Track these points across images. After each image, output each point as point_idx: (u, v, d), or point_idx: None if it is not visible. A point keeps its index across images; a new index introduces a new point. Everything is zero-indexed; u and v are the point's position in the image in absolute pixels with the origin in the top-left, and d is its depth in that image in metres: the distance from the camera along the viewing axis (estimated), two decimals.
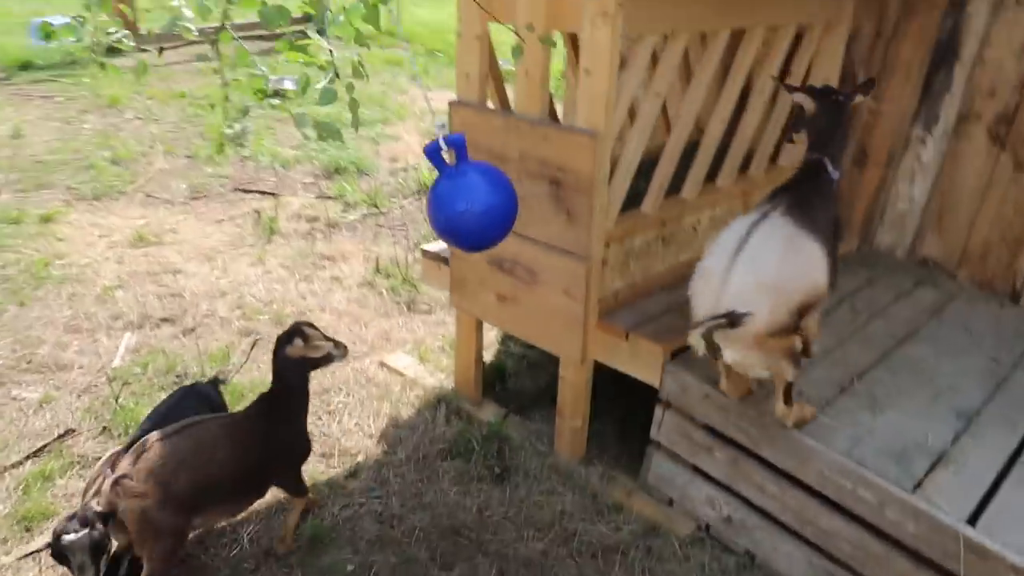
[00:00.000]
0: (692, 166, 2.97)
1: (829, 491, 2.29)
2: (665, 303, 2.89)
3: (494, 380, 3.48)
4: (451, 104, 2.87)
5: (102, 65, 1.90)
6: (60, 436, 2.87)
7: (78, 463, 2.77)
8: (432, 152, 1.87)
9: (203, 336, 3.62)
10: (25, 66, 7.92)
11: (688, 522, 2.68)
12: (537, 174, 2.64)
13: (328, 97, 1.68)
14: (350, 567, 2.46)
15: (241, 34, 1.84)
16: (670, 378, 2.62)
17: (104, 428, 2.95)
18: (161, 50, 6.62)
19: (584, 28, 2.40)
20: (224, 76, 1.81)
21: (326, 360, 2.43)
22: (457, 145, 1.89)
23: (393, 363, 3.58)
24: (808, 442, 2.32)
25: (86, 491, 2.14)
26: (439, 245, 3.31)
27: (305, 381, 2.45)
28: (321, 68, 1.72)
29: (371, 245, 4.67)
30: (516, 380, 3.52)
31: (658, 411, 2.70)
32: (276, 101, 3.20)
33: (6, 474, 2.69)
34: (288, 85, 6.49)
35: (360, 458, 2.98)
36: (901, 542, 2.17)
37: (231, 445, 2.27)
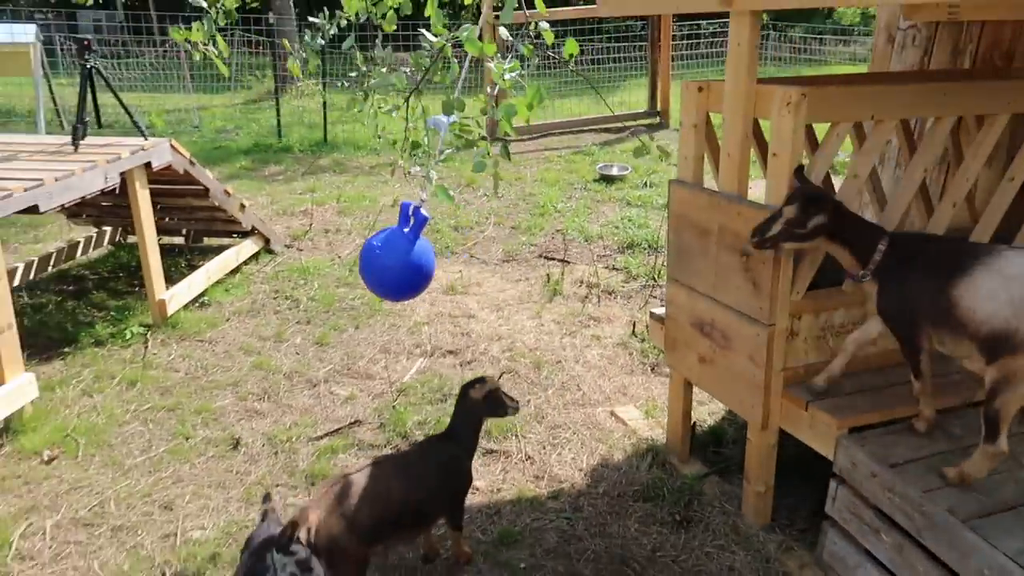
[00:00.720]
0: None
1: None
2: (861, 382, 2.87)
3: (709, 442, 3.65)
4: (671, 182, 3.25)
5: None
6: (351, 424, 3.79)
7: (356, 446, 3.64)
8: (403, 209, 2.41)
9: (474, 368, 4.38)
10: (415, 146, 9.97)
11: None
12: (731, 245, 2.89)
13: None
14: (523, 566, 2.89)
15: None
16: (842, 452, 2.63)
17: (381, 424, 3.81)
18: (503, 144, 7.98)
19: (773, 117, 2.65)
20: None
21: (501, 409, 2.77)
22: (419, 219, 2.42)
23: (621, 413, 3.96)
24: (970, 536, 2.19)
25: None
26: (663, 309, 3.64)
27: (478, 425, 2.80)
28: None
29: (637, 312, 5.10)
30: (732, 446, 3.63)
31: (832, 485, 2.70)
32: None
33: (310, 443, 3.65)
34: (615, 171, 7.36)
35: (565, 485, 3.40)
36: None
37: (404, 483, 2.62)
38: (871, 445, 2.58)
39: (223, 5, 3.09)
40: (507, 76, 2.52)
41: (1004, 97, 2.82)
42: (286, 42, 4.56)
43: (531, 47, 2.69)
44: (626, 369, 4.43)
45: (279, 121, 10.85)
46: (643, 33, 13.58)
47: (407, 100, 2.55)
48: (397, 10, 3.06)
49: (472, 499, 3.23)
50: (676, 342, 3.37)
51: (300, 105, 12.53)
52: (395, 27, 3.10)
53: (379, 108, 3.04)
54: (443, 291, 5.48)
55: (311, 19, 3.19)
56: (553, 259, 6.15)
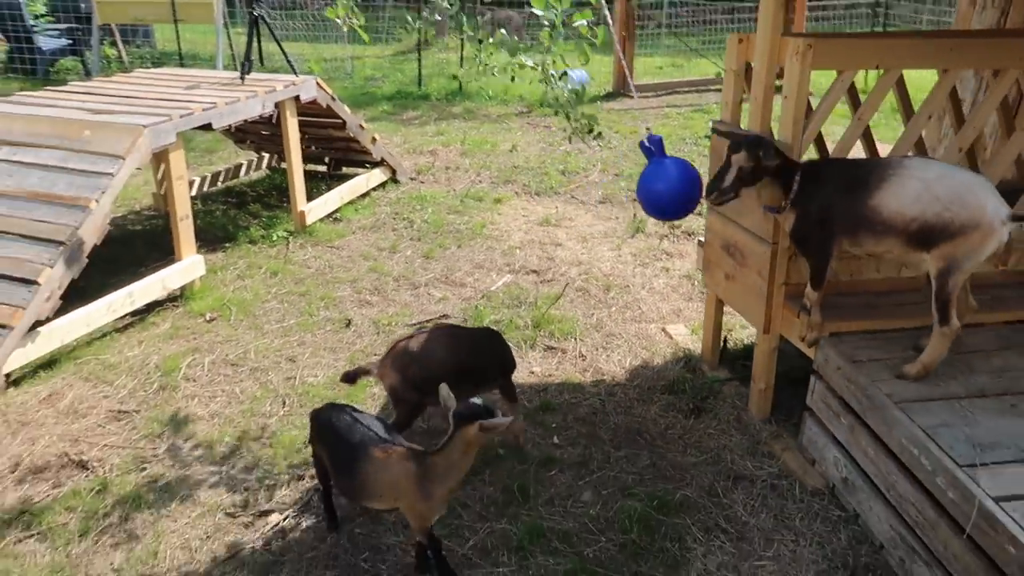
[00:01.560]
0: None
1: (904, 457, 2.61)
2: (857, 302, 3.31)
3: (740, 357, 4.15)
4: (712, 122, 3.75)
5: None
6: (439, 317, 4.59)
7: None
8: (643, 146, 2.97)
9: (550, 285, 5.06)
10: (540, 103, 10.63)
11: (819, 479, 3.12)
12: None
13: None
14: (553, 425, 3.58)
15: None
16: (820, 352, 3.11)
17: (465, 320, 4.58)
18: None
19: (786, 64, 3.11)
20: None
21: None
22: (656, 143, 2.96)
23: (670, 330, 4.52)
24: (896, 412, 2.66)
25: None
26: None
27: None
28: None
29: None
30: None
31: (811, 380, 3.19)
32: None
33: (405, 328, 4.48)
34: None
35: (605, 378, 4.04)
36: (947, 510, 2.42)
37: (450, 350, 3.18)
38: (843, 346, 3.05)
39: None
40: (577, 23, 3.12)
41: (1006, 52, 3.12)
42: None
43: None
44: (685, 296, 4.96)
45: (420, 72, 11.81)
46: None
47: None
48: None
49: (525, 379, 3.95)
50: (710, 263, 3.90)
51: (444, 58, 13.45)
52: None
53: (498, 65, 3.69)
54: (538, 223, 6.16)
55: None
56: None
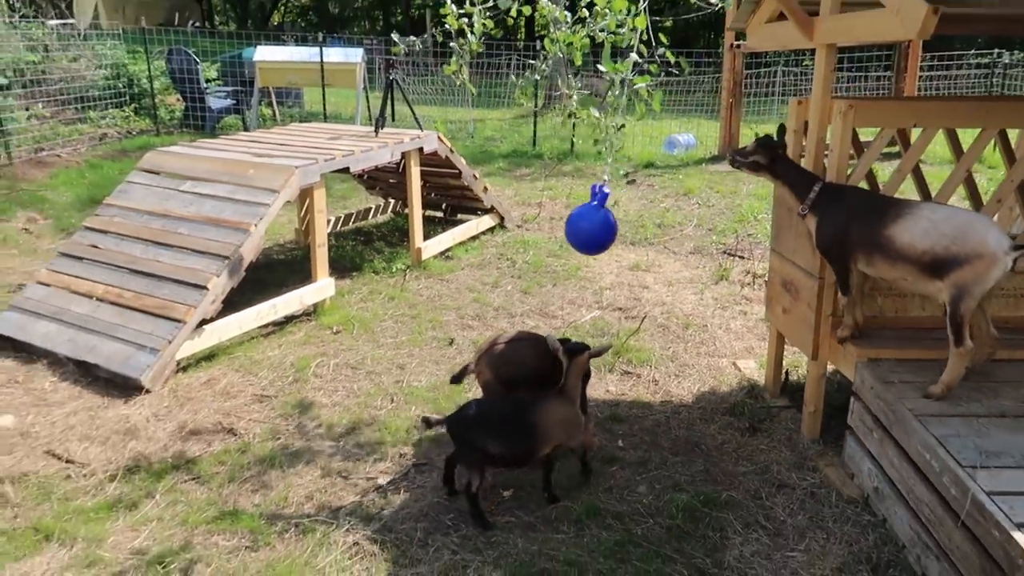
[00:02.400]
0: None
1: (920, 462, 2.94)
2: (898, 334, 3.64)
3: (801, 389, 4.48)
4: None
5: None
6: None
7: None
8: (593, 189, 3.58)
9: (633, 321, 5.56)
10: (648, 164, 11.24)
11: (855, 490, 3.45)
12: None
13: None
14: (620, 432, 4.06)
15: None
16: (858, 375, 3.48)
17: None
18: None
19: (833, 122, 3.58)
20: None
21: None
22: (602, 195, 3.56)
23: (740, 364, 4.91)
24: (915, 423, 3.01)
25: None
26: None
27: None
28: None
29: None
30: (826, 398, 4.45)
31: (851, 401, 3.55)
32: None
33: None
34: None
35: (673, 399, 4.48)
36: (950, 506, 2.74)
37: (534, 355, 3.66)
38: (879, 370, 3.41)
39: (470, 43, 4.47)
40: (638, 86, 3.71)
41: None
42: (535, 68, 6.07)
43: (659, 66, 3.87)
44: (759, 336, 5.33)
45: (535, 133, 12.72)
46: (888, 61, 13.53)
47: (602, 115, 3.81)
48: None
49: (600, 396, 4.46)
50: (771, 299, 4.32)
51: (558, 122, 14.36)
52: (582, 62, 4.41)
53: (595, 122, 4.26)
54: (629, 268, 6.70)
55: (531, 61, 4.61)
56: (733, 255, 7.08)
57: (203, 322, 4.65)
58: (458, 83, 4.52)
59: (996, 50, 13.58)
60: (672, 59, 3.83)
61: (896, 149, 5.58)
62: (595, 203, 3.96)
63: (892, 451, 3.16)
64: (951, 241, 3.01)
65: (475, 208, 7.70)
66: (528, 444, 3.27)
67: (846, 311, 3.54)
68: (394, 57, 6.75)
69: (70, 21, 17.83)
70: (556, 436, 3.33)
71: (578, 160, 11.51)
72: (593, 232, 3.97)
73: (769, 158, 3.58)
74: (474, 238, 7.37)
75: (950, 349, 3.11)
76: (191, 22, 34.48)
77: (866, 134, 4.36)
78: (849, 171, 3.65)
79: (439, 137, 6.51)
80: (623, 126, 3.74)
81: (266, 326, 5.27)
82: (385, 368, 4.81)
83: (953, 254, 3.00)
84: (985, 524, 2.53)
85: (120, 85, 12.85)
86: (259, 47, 13.37)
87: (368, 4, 40.51)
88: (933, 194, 3.87)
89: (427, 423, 3.35)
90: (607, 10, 3.68)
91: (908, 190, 4.40)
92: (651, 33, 3.68)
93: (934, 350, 3.50)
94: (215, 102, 13.02)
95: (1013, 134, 4.18)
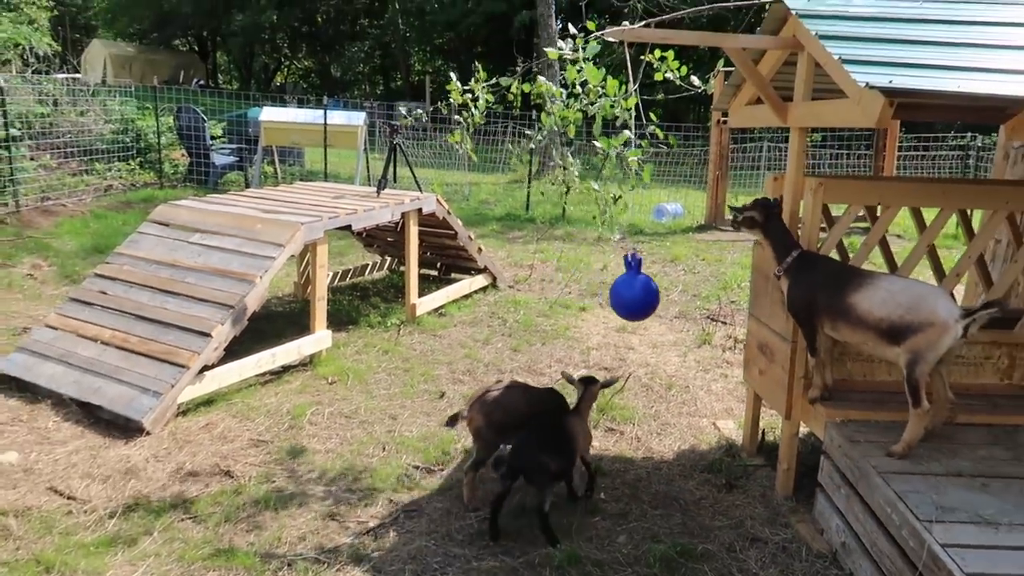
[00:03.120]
0: None
1: (882, 516, 3.13)
2: (866, 397, 3.87)
3: (777, 448, 4.69)
4: (755, 243, 4.51)
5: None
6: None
7: None
8: (626, 259, 3.83)
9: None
10: (638, 231, 11.60)
11: (825, 545, 3.62)
12: (777, 286, 4.09)
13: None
14: (603, 485, 4.22)
15: None
16: (828, 434, 3.69)
17: None
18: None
19: (804, 198, 3.88)
20: None
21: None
22: (636, 261, 3.81)
23: (720, 424, 5.11)
24: (877, 479, 3.21)
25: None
26: None
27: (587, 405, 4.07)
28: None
29: None
30: (801, 458, 4.64)
31: (822, 460, 3.74)
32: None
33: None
34: None
35: (654, 456, 4.66)
36: (909, 558, 2.92)
37: (525, 403, 3.95)
38: (847, 430, 3.62)
39: (473, 117, 4.77)
40: (630, 159, 4.01)
41: (996, 196, 3.78)
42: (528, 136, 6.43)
43: (648, 141, 4.19)
44: (739, 398, 5.54)
45: (528, 197, 13.13)
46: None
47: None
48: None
49: None
50: (749, 362, 4.56)
51: (551, 188, 14.82)
52: (575, 134, 4.72)
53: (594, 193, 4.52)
54: (616, 330, 6.93)
55: (527, 132, 4.94)
56: (716, 320, 7.33)
57: (204, 368, 4.83)
58: (460, 152, 4.84)
59: (970, 134, 14.19)
60: (660, 135, 4.16)
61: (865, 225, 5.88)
62: (632, 271, 4.28)
63: (858, 506, 3.35)
64: (906, 310, 3.28)
65: (469, 268, 7.97)
66: (572, 457, 3.82)
67: (815, 373, 3.77)
68: (396, 123, 7.10)
69: (77, 76, 18.39)
70: (583, 448, 3.95)
71: (569, 225, 11.88)
72: (636, 299, 4.31)
73: (764, 216, 3.85)
74: (467, 296, 7.62)
75: (910, 411, 3.33)
76: (196, 80, 35.47)
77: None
78: (819, 244, 3.94)
79: (437, 199, 6.82)
80: (619, 197, 4.03)
81: (264, 374, 5.45)
82: (378, 418, 4.98)
83: (907, 322, 3.27)
84: (939, 574, 2.71)
85: (127, 139, 13.25)
86: (265, 108, 13.84)
87: (369, 69, 41.71)
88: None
89: (452, 422, 3.85)
90: (600, 90, 4.01)
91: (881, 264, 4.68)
92: (641, 111, 4.01)
93: (898, 412, 3.71)
94: (219, 159, 13.41)
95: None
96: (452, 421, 3.91)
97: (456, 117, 4.34)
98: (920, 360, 3.26)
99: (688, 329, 7.06)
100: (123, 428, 4.56)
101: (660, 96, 5.28)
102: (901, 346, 3.30)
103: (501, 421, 3.86)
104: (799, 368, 3.93)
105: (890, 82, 3.04)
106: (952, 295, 3.40)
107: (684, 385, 5.74)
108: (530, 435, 3.73)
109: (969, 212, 4.29)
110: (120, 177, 12.86)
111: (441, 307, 7.22)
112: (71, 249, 8.92)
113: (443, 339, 6.54)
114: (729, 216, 4.03)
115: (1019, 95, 3.17)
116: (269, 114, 13.24)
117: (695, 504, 4.09)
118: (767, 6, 4.22)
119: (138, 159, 13.39)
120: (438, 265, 8.33)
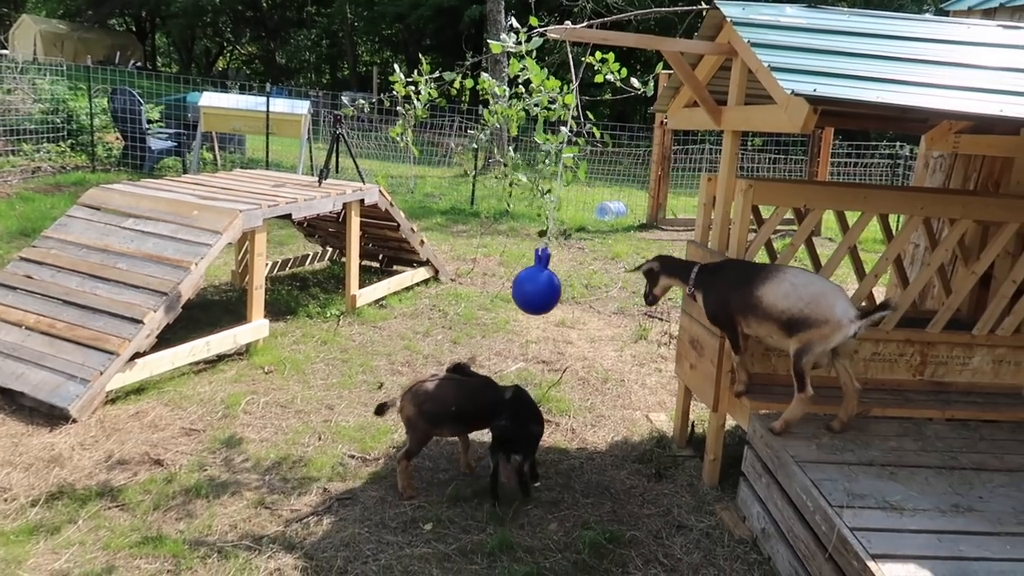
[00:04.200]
0: None
1: (798, 503, 3.29)
2: (788, 390, 4.03)
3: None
4: (688, 241, 4.65)
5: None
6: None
7: None
8: (536, 253, 3.92)
9: (556, 373, 5.86)
10: (580, 228, 11.76)
11: (746, 531, 3.77)
12: None
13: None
14: (538, 485, 4.30)
15: None
16: (751, 425, 3.84)
17: None
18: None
19: (736, 199, 4.03)
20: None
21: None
22: (545, 256, 3.90)
23: (652, 416, 5.25)
24: (795, 468, 3.36)
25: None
26: None
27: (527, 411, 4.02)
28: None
29: None
30: (727, 449, 4.81)
31: (746, 450, 3.90)
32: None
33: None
34: None
35: (588, 447, 4.77)
36: (821, 542, 3.07)
37: (457, 395, 3.96)
38: (768, 421, 3.77)
39: (417, 110, 4.76)
40: (566, 156, 4.08)
41: (913, 202, 3.99)
42: (472, 134, 6.47)
43: (586, 140, 4.28)
44: (672, 392, 5.69)
45: (473, 192, 13.16)
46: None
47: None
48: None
49: None
50: (680, 356, 4.70)
51: (497, 183, 14.88)
52: (517, 132, 4.75)
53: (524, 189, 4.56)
54: (555, 324, 7.04)
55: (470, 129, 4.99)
56: (653, 317, 7.51)
57: (136, 355, 4.73)
58: (401, 145, 4.84)
59: (899, 143, 14.80)
60: (598, 134, 4.25)
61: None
62: (539, 265, 4.31)
63: (777, 494, 3.51)
64: (806, 304, 3.50)
65: (411, 260, 7.97)
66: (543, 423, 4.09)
67: (738, 368, 3.92)
68: (340, 112, 7.05)
69: (5, 52, 17.65)
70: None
71: (513, 220, 11.95)
72: (538, 293, 4.31)
73: (659, 263, 4.21)
74: (408, 289, 7.62)
75: (795, 393, 3.56)
76: (133, 62, 34.34)
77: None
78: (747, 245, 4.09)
79: (380, 191, 6.80)
80: (549, 191, 4.10)
81: (198, 363, 5.37)
82: (314, 408, 4.97)
83: (806, 315, 3.49)
84: (847, 556, 2.87)
85: (57, 120, 12.79)
86: (205, 93, 13.53)
87: (315, 57, 41.08)
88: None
89: (381, 410, 3.94)
90: (541, 87, 4.08)
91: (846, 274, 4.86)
92: (580, 109, 4.09)
93: (817, 405, 3.89)
94: (156, 143, 13.06)
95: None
96: (381, 409, 3.94)
97: (399, 109, 4.35)
98: (807, 351, 3.50)
99: (626, 325, 7.21)
100: (47, 416, 4.45)
101: (607, 96, 5.39)
102: (794, 336, 3.53)
103: (433, 411, 3.90)
104: (726, 362, 4.07)
105: (814, 90, 3.19)
106: (846, 295, 3.63)
107: (619, 379, 5.87)
108: (513, 411, 3.92)
109: (887, 217, 4.51)
110: (49, 159, 12.41)
111: (382, 299, 7.21)
112: None
113: (383, 330, 6.54)
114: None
115: (933, 107, 3.36)
116: (209, 99, 12.96)
117: (625, 493, 4.21)
118: (705, 13, 4.35)
119: (69, 141, 12.94)
120: (380, 257, 8.31)
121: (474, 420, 4.08)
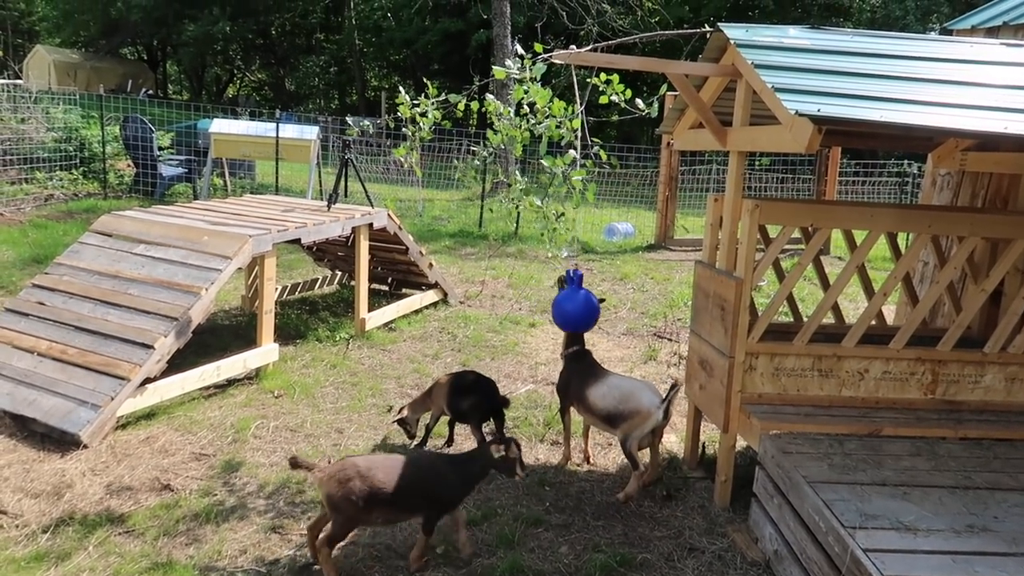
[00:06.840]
0: (854, 326, 4.09)
1: (810, 524, 3.25)
2: (799, 411, 4.02)
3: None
4: (696, 262, 4.65)
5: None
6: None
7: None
8: (568, 275, 3.97)
9: None
10: (588, 250, 11.79)
11: (759, 554, 3.73)
12: (717, 303, 4.23)
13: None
14: (547, 496, 4.28)
15: None
16: (762, 446, 3.82)
17: None
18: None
19: (743, 218, 4.04)
20: None
21: (510, 471, 3.59)
22: (577, 277, 3.96)
23: (662, 438, 5.22)
24: (807, 488, 3.34)
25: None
26: None
27: (484, 472, 3.59)
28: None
29: None
30: (738, 470, 4.78)
31: (757, 471, 3.87)
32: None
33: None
34: None
35: (598, 469, 4.74)
36: (835, 563, 3.04)
37: (394, 476, 3.33)
38: (779, 442, 3.76)
39: (421, 131, 4.79)
40: (575, 178, 4.11)
41: (920, 220, 3.99)
42: (474, 153, 6.51)
43: (593, 162, 4.30)
44: (682, 414, 5.63)
45: (481, 215, 13.22)
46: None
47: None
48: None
49: (530, 463, 4.69)
50: (690, 376, 4.68)
51: (505, 206, 14.95)
52: (522, 153, 4.77)
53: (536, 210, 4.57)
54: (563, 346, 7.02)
55: (473, 148, 5.04)
56: (663, 337, 7.49)
57: (146, 380, 4.75)
58: (406, 166, 4.88)
59: (907, 161, 14.78)
60: (604, 157, 4.28)
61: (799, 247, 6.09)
62: (573, 286, 4.55)
63: (789, 515, 3.48)
64: (619, 402, 4.19)
65: (420, 283, 8.00)
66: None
67: (564, 440, 4.70)
68: (349, 137, 7.12)
69: (19, 82, 17.93)
70: None
71: (522, 243, 11.98)
72: (578, 312, 4.61)
73: (571, 341, 4.72)
74: (417, 312, 7.64)
75: (632, 473, 4.21)
76: (144, 90, 34.81)
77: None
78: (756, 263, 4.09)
79: (389, 214, 6.85)
80: (563, 214, 4.13)
81: (208, 388, 5.39)
82: (324, 432, 4.97)
83: (620, 411, 4.17)
84: None
85: (70, 148, 12.96)
86: (216, 119, 13.69)
87: (324, 83, 41.54)
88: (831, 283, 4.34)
89: (294, 463, 3.38)
90: (547, 110, 4.11)
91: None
92: (586, 131, 4.12)
93: (828, 425, 3.88)
94: (167, 170, 13.20)
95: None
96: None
97: (404, 130, 4.40)
98: (630, 438, 4.17)
99: (635, 346, 7.20)
100: (58, 442, 4.47)
101: (614, 117, 5.42)
102: (618, 428, 4.20)
103: (361, 493, 3.30)
104: (736, 383, 4.06)
105: (818, 110, 3.20)
106: (654, 388, 4.30)
107: None
108: (488, 389, 4.61)
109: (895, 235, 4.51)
110: (62, 187, 12.56)
111: (391, 322, 7.23)
112: (8, 259, 8.68)
113: (392, 354, 6.55)
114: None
115: (937, 126, 3.37)
116: (220, 126, 13.10)
117: (636, 515, 4.18)
118: (709, 35, 4.39)
119: (81, 169, 13.10)
120: (389, 280, 8.34)
121: (412, 509, 3.53)
